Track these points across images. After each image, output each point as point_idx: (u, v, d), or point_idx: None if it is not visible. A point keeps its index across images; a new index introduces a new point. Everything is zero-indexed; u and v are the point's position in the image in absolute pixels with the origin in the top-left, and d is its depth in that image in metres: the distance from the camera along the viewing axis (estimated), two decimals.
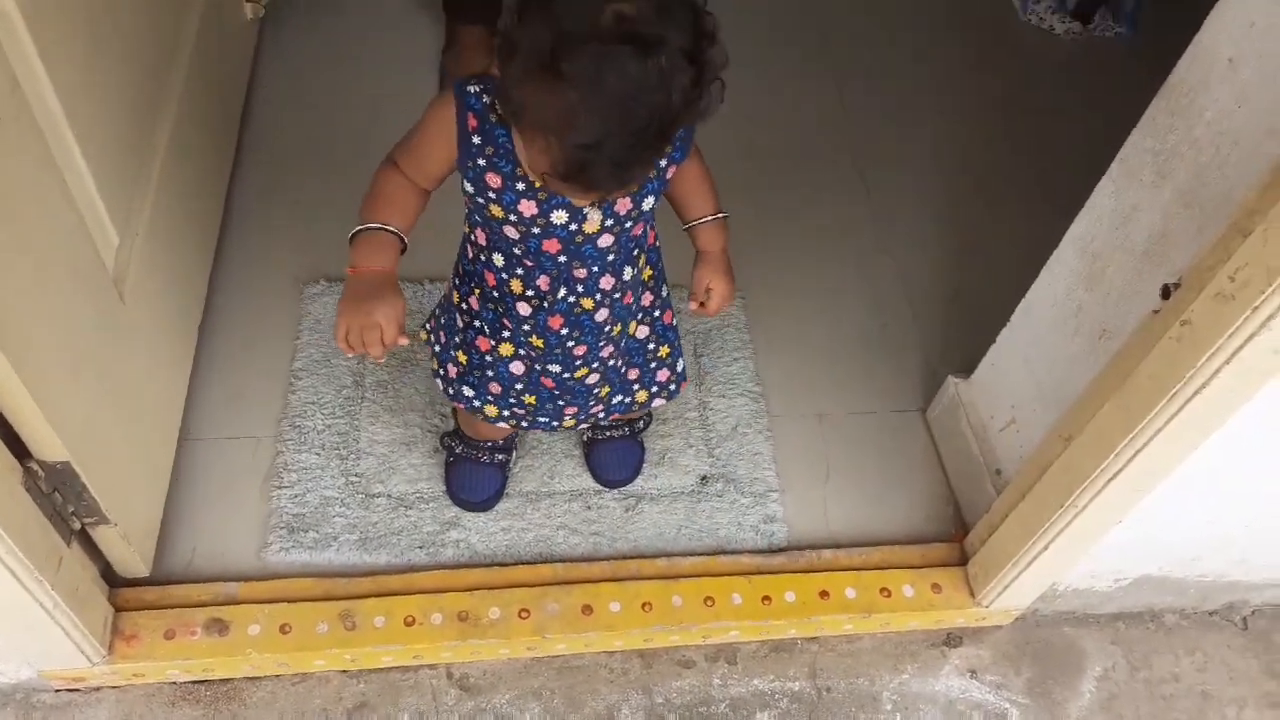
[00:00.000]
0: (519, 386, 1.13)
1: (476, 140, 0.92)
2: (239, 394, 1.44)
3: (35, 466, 1.01)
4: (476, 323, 1.10)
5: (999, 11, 2.20)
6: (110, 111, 1.14)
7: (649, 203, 0.99)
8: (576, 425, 1.23)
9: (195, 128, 1.43)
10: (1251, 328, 0.86)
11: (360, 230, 0.98)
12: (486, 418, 1.19)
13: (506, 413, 1.17)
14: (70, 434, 1.00)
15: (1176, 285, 0.97)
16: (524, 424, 1.19)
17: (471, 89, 0.92)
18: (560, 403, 1.16)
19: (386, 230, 0.97)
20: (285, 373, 1.46)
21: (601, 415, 1.22)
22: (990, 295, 1.39)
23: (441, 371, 1.18)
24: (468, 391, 1.16)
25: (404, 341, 0.96)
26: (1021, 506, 1.22)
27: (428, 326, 1.20)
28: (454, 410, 1.37)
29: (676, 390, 1.25)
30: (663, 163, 0.97)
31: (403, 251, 0.99)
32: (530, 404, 1.16)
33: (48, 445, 0.99)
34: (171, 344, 1.34)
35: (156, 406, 1.28)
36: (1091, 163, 1.15)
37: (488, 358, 1.11)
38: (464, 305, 1.10)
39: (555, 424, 1.20)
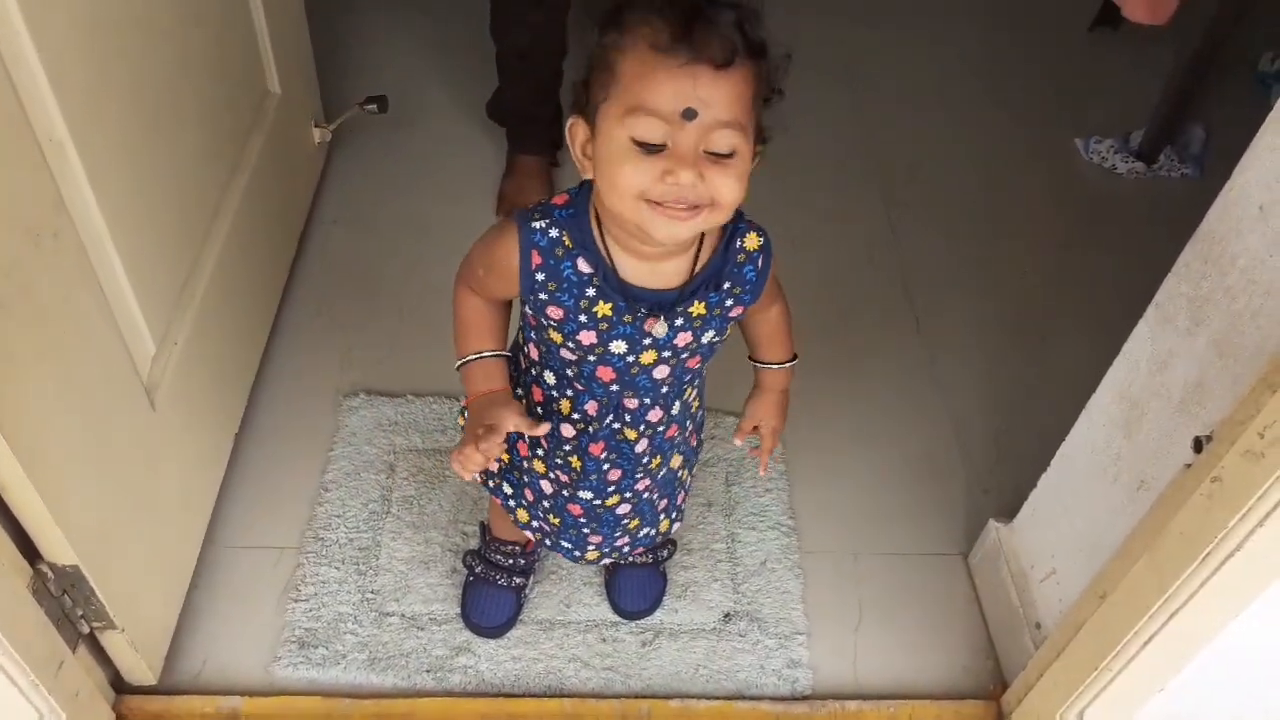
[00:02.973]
0: (546, 504, 1.12)
1: (540, 276, 0.91)
2: (269, 503, 1.45)
3: (45, 568, 1.03)
4: None
5: (1062, 151, 2.19)
6: (158, 228, 1.20)
7: (709, 336, 0.97)
8: (600, 559, 1.20)
9: (249, 244, 1.49)
10: None
11: (462, 364, 1.00)
12: (518, 520, 1.17)
13: (535, 523, 1.16)
14: (81, 538, 1.02)
15: (1208, 439, 0.92)
16: (547, 542, 1.18)
17: (536, 225, 0.90)
18: (585, 531, 1.13)
19: (483, 357, 1.00)
20: (316, 484, 1.48)
21: (626, 549, 1.19)
22: (1040, 435, 1.33)
23: None
24: (507, 488, 1.15)
25: (496, 452, 0.95)
26: (1056, 666, 1.14)
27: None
28: (481, 525, 1.36)
29: (683, 511, 1.23)
30: (729, 302, 0.95)
31: (509, 361, 1.02)
32: (555, 525, 1.14)
33: (57, 549, 1.01)
34: (203, 452, 1.37)
35: (181, 513, 1.30)
36: (1145, 305, 1.10)
37: (524, 464, 1.11)
38: None
39: (578, 554, 1.17)
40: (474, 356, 1.00)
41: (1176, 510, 0.93)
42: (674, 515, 1.21)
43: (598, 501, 1.09)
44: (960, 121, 2.24)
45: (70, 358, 1.00)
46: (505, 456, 1.12)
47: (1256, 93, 2.28)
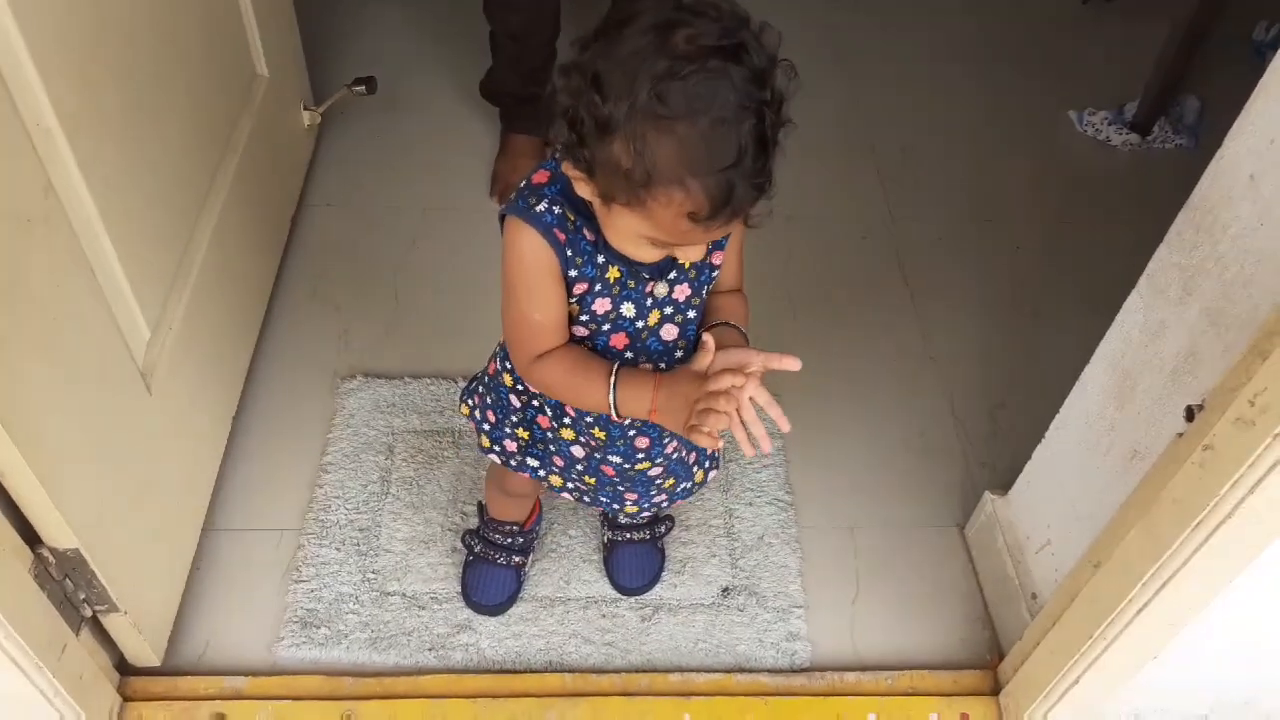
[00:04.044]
0: (580, 467, 1.12)
1: (569, 252, 0.90)
2: (268, 486, 1.46)
3: (46, 553, 1.03)
4: (536, 402, 1.09)
5: (1055, 124, 2.18)
6: (149, 212, 1.20)
7: (706, 292, 0.98)
8: (640, 512, 1.19)
9: (241, 227, 1.49)
10: (1275, 456, 0.81)
11: (614, 405, 0.95)
12: (552, 487, 1.17)
13: (571, 485, 1.16)
14: (81, 522, 1.03)
15: (1200, 407, 0.92)
16: (586, 499, 1.18)
17: (540, 208, 0.88)
18: (621, 489, 1.14)
19: (613, 376, 0.94)
20: (315, 466, 1.48)
21: (665, 503, 1.20)
22: (1036, 408, 1.33)
23: (497, 448, 1.16)
24: (532, 462, 1.15)
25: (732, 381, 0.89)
26: (1052, 635, 1.15)
27: (470, 403, 1.18)
28: (479, 505, 1.37)
29: (719, 458, 1.21)
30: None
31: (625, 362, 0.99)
32: (590, 484, 1.14)
33: (57, 532, 1.01)
34: (201, 435, 1.37)
35: (180, 497, 1.31)
36: (1139, 277, 1.10)
37: (549, 434, 1.10)
38: (519, 388, 1.09)
39: (617, 507, 1.18)
40: (610, 387, 0.94)
41: (1169, 479, 0.93)
42: (707, 464, 1.19)
43: (627, 465, 1.10)
44: (954, 96, 2.23)
45: (65, 343, 1.00)
46: (525, 434, 1.13)
47: (1252, 62, 2.28)
